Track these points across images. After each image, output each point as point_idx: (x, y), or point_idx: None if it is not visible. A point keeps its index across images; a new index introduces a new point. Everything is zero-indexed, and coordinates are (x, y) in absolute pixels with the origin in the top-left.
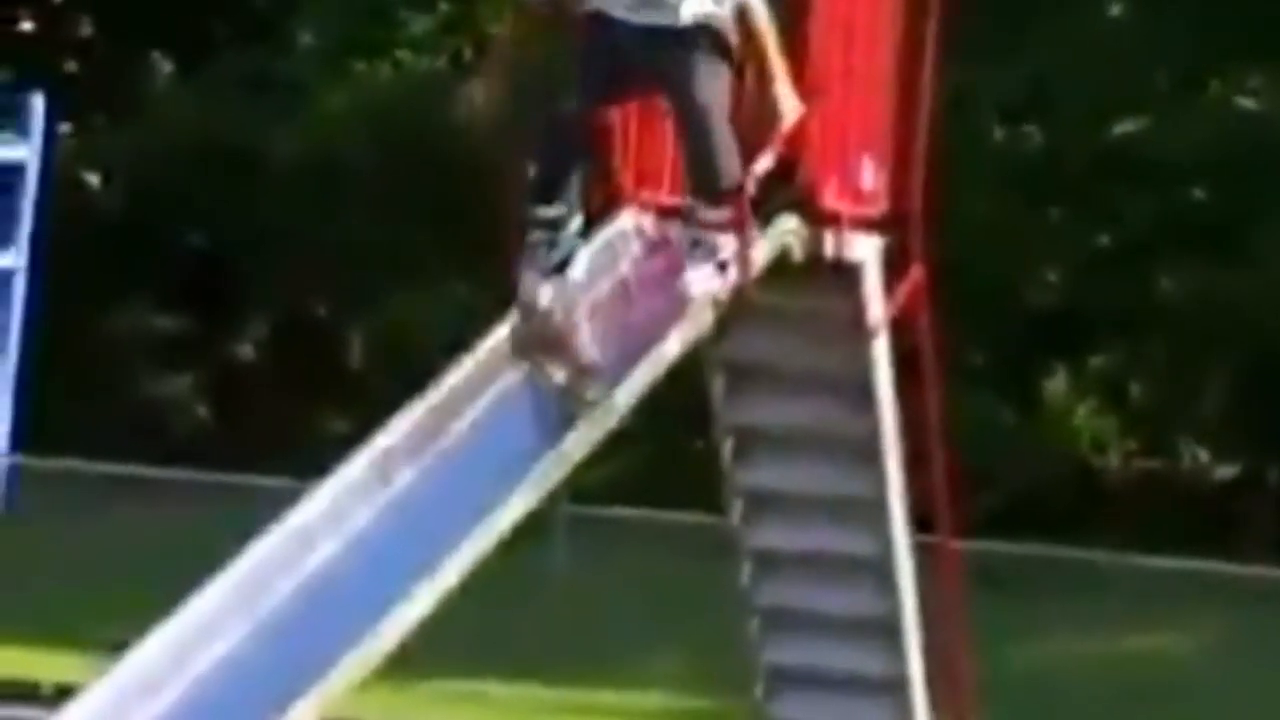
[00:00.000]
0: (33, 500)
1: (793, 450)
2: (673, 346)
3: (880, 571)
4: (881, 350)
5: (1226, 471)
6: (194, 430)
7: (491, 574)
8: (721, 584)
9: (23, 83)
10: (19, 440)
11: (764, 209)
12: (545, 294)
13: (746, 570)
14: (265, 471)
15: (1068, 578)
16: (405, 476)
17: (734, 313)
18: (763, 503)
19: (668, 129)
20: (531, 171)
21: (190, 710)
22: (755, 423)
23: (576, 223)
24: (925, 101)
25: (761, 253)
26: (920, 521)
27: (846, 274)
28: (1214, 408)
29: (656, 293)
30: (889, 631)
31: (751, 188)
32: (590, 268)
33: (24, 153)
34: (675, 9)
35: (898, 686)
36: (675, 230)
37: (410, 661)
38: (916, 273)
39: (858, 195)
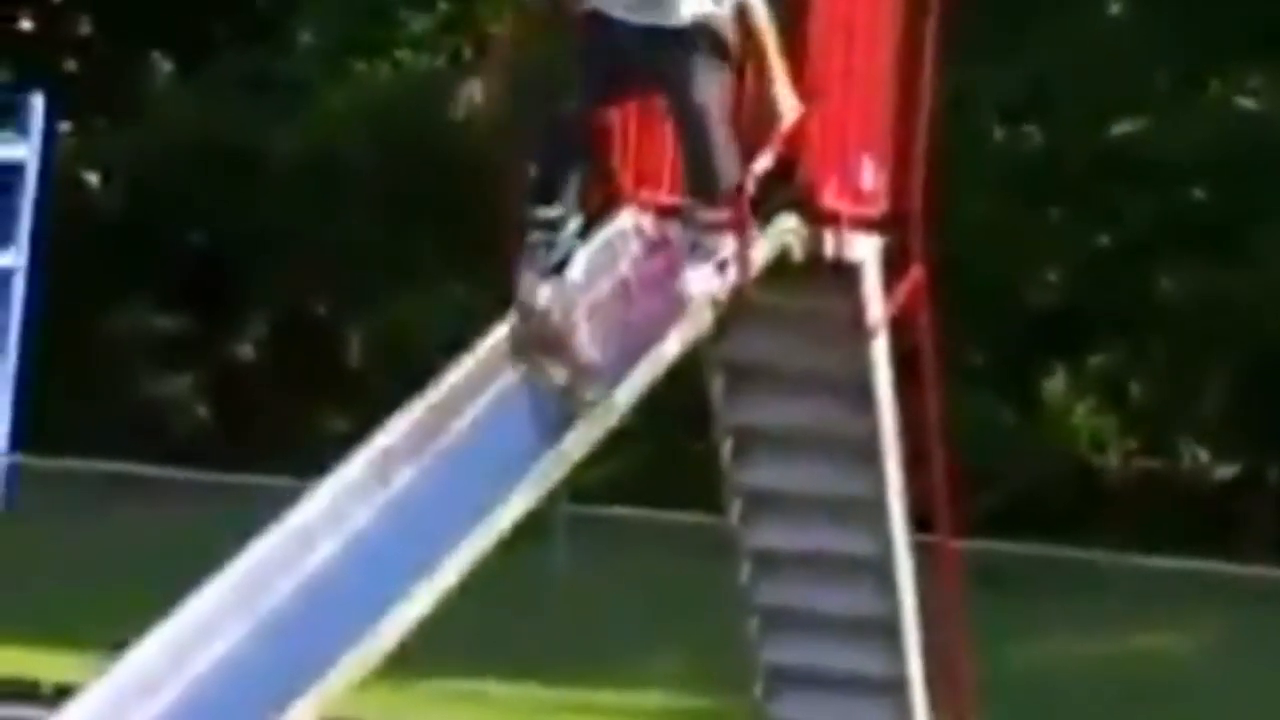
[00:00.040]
0: (32, 500)
1: (792, 450)
2: (672, 346)
3: (880, 571)
4: (881, 350)
5: (1226, 471)
6: (194, 430)
7: (491, 573)
8: (721, 584)
9: (22, 82)
10: (19, 440)
11: (764, 208)
12: (543, 294)
13: (746, 570)
14: (265, 471)
15: (1067, 577)
16: (405, 476)
17: (734, 312)
18: (762, 502)
19: (667, 129)
20: (531, 172)
21: (189, 710)
22: (755, 422)
23: (575, 223)
24: (925, 101)
25: (761, 252)
26: (920, 521)
27: (846, 274)
28: (1214, 407)
29: (656, 293)
30: (889, 631)
31: (751, 187)
32: (589, 268)
33: (24, 152)
34: (674, 8)
35: (897, 686)
36: (675, 230)
37: (410, 661)
38: (916, 272)
39: (857, 195)
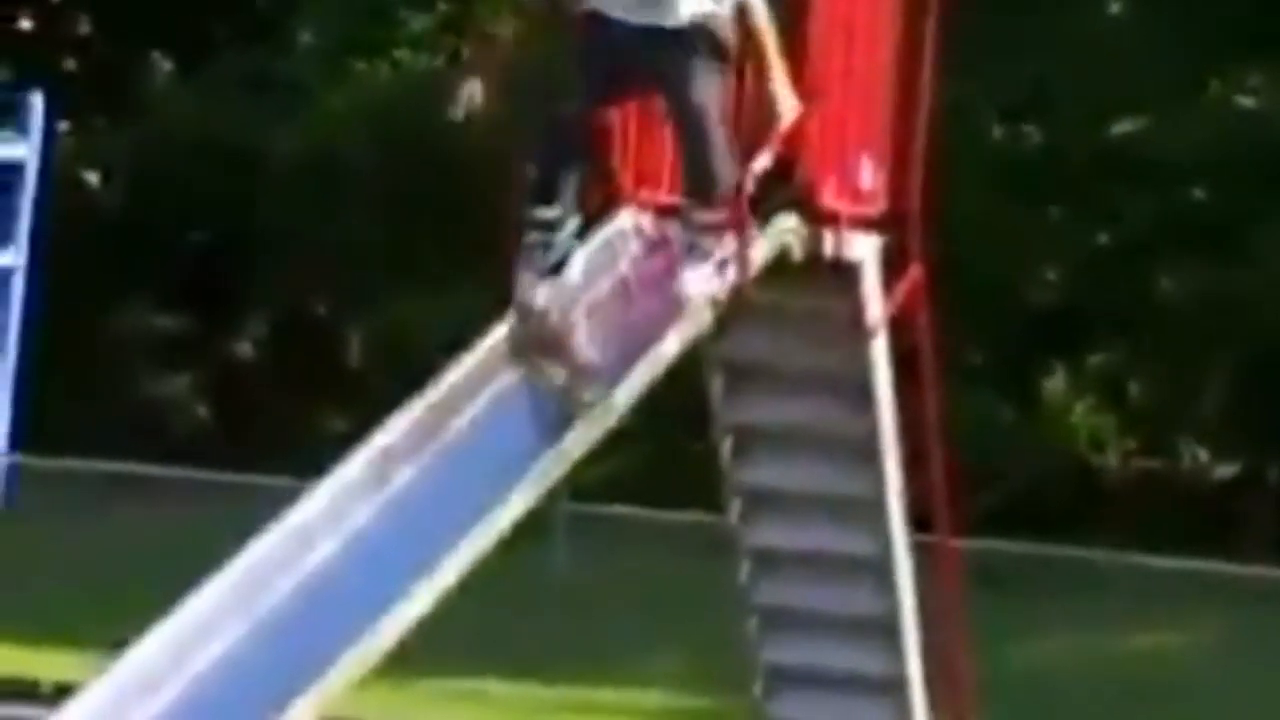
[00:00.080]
0: (32, 499)
1: (792, 449)
2: (671, 346)
3: (879, 570)
4: (880, 349)
5: (1226, 471)
6: (193, 429)
7: (491, 572)
8: (721, 583)
9: (22, 81)
10: (18, 439)
11: (763, 208)
12: (541, 295)
13: (745, 569)
14: (264, 471)
15: (1067, 577)
16: (404, 475)
17: (733, 312)
18: (762, 502)
19: (667, 129)
20: (530, 172)
21: (189, 709)
22: (754, 422)
23: (573, 224)
24: (924, 101)
25: (760, 252)
26: (919, 520)
27: (845, 273)
28: (1213, 407)
29: (655, 292)
30: (888, 631)
31: (750, 186)
32: (589, 267)
33: (23, 151)
34: (673, 8)
35: (897, 686)
36: (674, 230)
37: (409, 660)
38: (915, 272)
39: (857, 194)
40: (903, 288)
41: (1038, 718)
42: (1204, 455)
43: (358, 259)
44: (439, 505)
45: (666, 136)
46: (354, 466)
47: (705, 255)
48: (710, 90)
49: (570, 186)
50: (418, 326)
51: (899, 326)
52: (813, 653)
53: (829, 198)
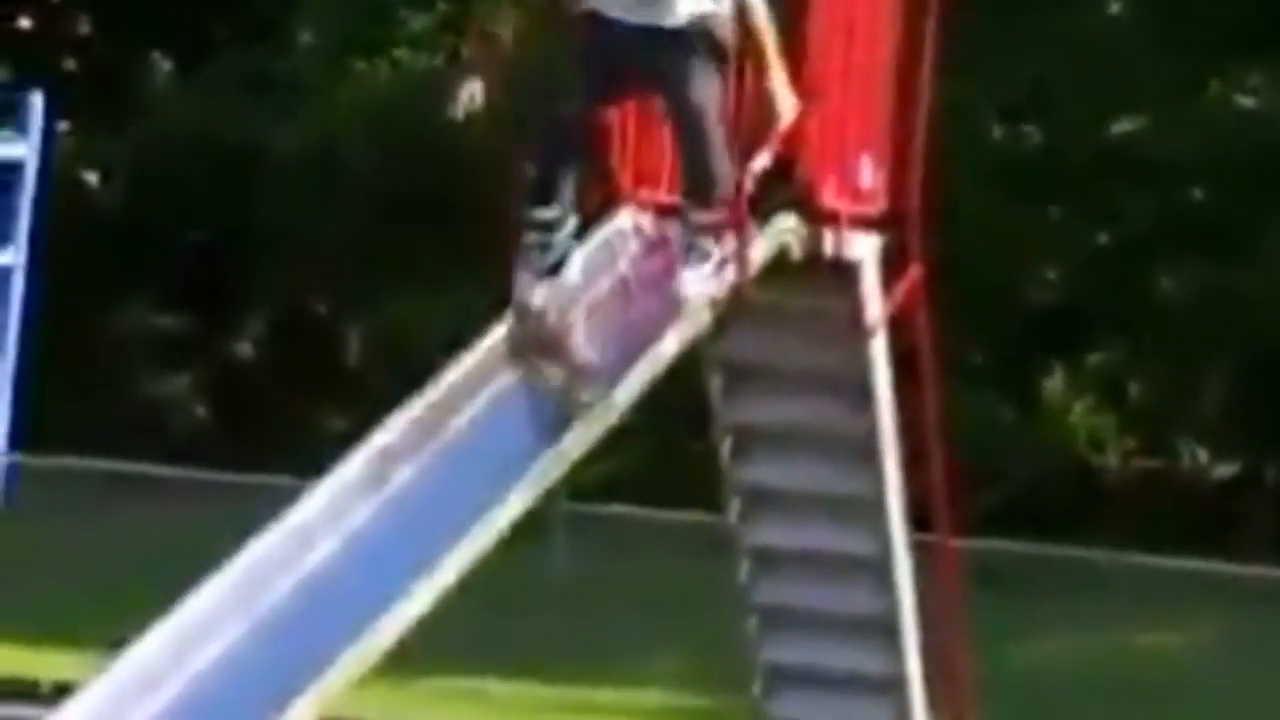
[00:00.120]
0: (32, 498)
1: (791, 449)
2: (670, 345)
3: (879, 570)
4: (880, 349)
5: (1226, 470)
6: (193, 428)
7: (490, 572)
8: (720, 582)
9: (21, 81)
10: (18, 438)
11: (762, 207)
12: (539, 295)
13: (745, 569)
14: (264, 470)
15: (1066, 577)
16: (404, 474)
17: (732, 311)
18: (761, 501)
19: (665, 128)
20: (529, 172)
21: (189, 708)
22: (754, 421)
23: (571, 224)
24: (924, 100)
25: (760, 251)
26: (919, 520)
27: (845, 273)
28: (1213, 407)
29: (655, 292)
30: (887, 630)
31: (750, 186)
32: (587, 267)
33: (22, 151)
34: (671, 8)
35: (896, 685)
36: (673, 229)
37: (409, 659)
38: (915, 271)
39: (856, 194)
40: (902, 287)
41: (1037, 717)
42: (1204, 455)
43: (357, 258)
44: (438, 505)
45: (665, 136)
46: (353, 466)
47: (704, 255)
48: (709, 90)
49: (569, 186)
50: (417, 326)
51: (898, 326)
52: (812, 652)
53: (829, 197)
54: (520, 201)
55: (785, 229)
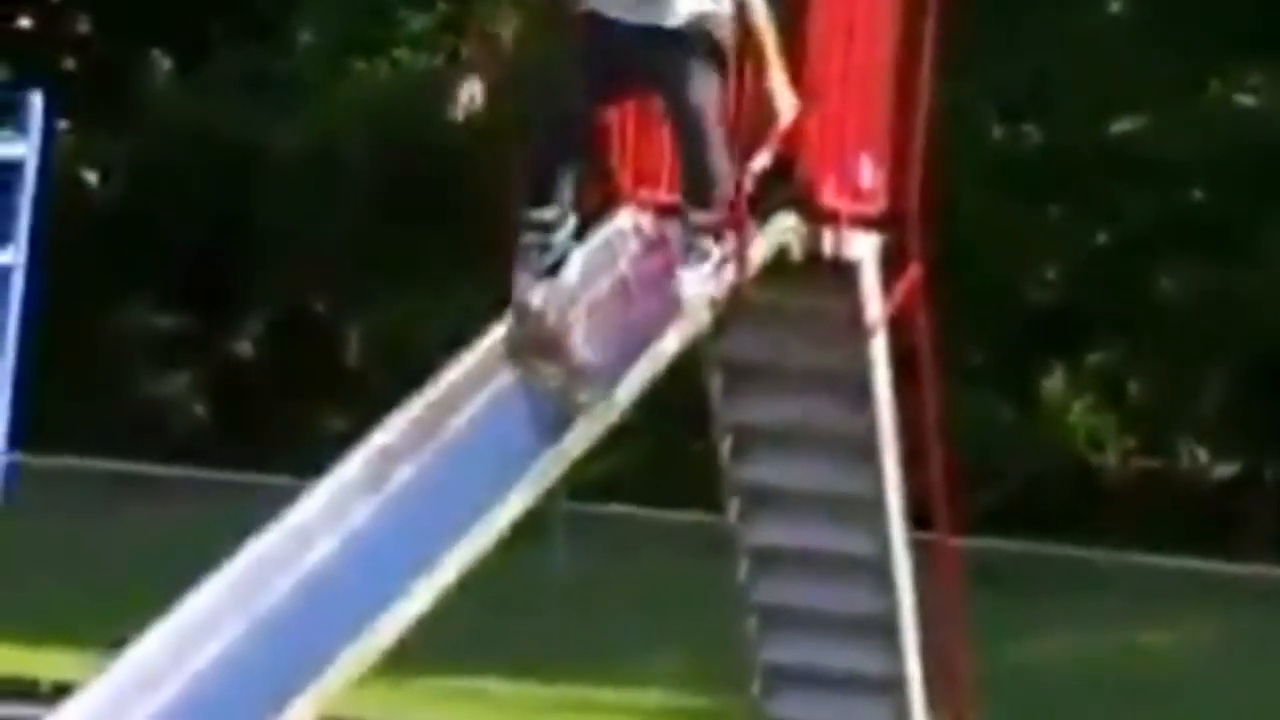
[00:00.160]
0: (31, 498)
1: (791, 448)
2: (670, 344)
3: (878, 569)
4: (879, 348)
5: (1225, 470)
6: (192, 428)
7: (490, 571)
8: (720, 582)
9: (21, 80)
10: (17, 438)
11: (762, 207)
12: (538, 296)
13: (744, 568)
14: (264, 470)
15: (1066, 576)
16: (403, 474)
17: (732, 311)
18: (761, 500)
19: (665, 128)
20: (528, 172)
21: (188, 707)
22: (753, 420)
23: (570, 225)
24: (924, 99)
25: (760, 251)
26: (918, 519)
27: (845, 272)
28: (1213, 406)
29: (655, 292)
30: (887, 629)
31: (749, 185)
32: (587, 267)
33: (22, 150)
34: (671, 8)
35: (896, 685)
36: (673, 229)
37: (408, 659)
38: (914, 271)
39: (856, 193)
40: (902, 287)
41: (1037, 717)
42: (1203, 455)
43: (357, 258)
44: (438, 504)
45: (665, 136)
46: (353, 465)
47: (704, 255)
48: (708, 90)
49: (568, 187)
50: (417, 326)
51: (898, 325)
52: (812, 652)
53: (828, 197)
54: (520, 201)
55: (785, 228)
